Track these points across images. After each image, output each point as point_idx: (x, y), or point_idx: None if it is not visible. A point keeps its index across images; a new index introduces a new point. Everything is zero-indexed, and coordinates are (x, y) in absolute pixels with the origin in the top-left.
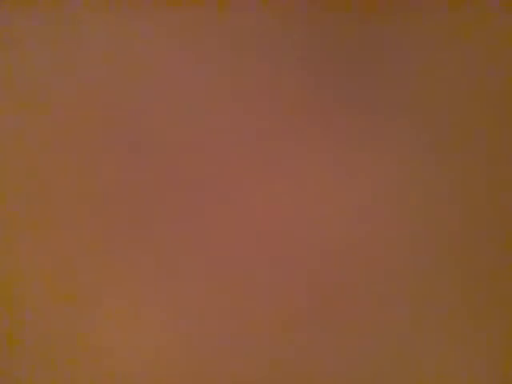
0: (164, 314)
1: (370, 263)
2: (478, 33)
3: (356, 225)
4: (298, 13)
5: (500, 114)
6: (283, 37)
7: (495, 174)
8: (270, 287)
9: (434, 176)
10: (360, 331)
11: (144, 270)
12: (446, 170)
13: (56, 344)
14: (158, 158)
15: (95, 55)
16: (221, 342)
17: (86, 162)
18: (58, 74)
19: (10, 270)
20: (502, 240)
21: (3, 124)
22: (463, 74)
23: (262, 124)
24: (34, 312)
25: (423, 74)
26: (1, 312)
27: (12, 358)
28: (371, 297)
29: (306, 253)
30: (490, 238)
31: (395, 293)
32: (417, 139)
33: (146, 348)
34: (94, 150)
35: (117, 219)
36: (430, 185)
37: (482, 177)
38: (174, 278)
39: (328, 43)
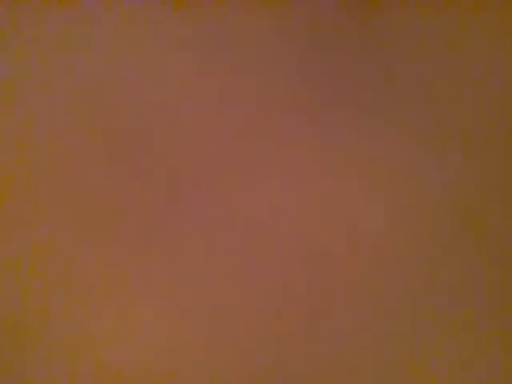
0: (163, 314)
1: (369, 262)
2: (477, 32)
3: (355, 224)
4: (297, 13)
5: (499, 113)
6: (283, 37)
7: (494, 174)
8: (270, 287)
9: (435, 175)
10: (360, 330)
11: (144, 268)
12: (445, 169)
13: (55, 343)
14: (157, 158)
15: (95, 55)
16: (220, 342)
17: (86, 161)
18: (58, 74)
19: (10, 269)
20: (501, 239)
21: (3, 124)
22: (462, 73)
23: (260, 123)
24: (34, 310)
25: (422, 73)
26: (1, 311)
27: (12, 356)
28: (370, 294)
29: (305, 253)
30: (490, 238)
31: (394, 292)
32: (416, 139)
33: (145, 346)
34: (94, 150)
35: (117, 218)
36: (430, 184)
37: (481, 176)
38: (174, 277)
39: (327, 43)
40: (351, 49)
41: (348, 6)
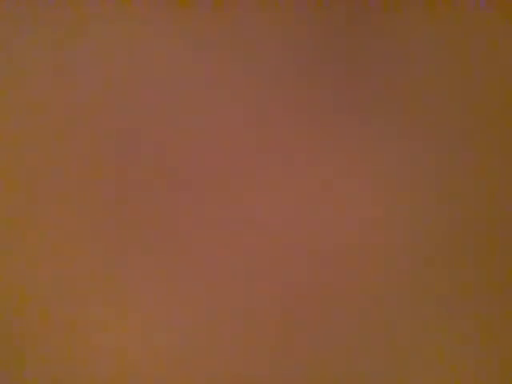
0: (162, 315)
1: (370, 265)
2: (477, 32)
3: (356, 226)
4: (297, 13)
5: (500, 112)
6: (283, 37)
7: (495, 173)
8: (270, 288)
9: (433, 176)
10: (360, 330)
11: (144, 269)
12: (445, 171)
13: (55, 344)
14: (158, 160)
15: (95, 55)
16: (218, 342)
17: (86, 163)
18: (58, 75)
19: (11, 271)
20: (502, 240)
21: (3, 125)
22: (462, 73)
23: (261, 123)
24: (34, 312)
25: (423, 74)
26: (1, 312)
27: (12, 357)
28: (371, 297)
29: (306, 254)
30: (490, 239)
31: (395, 294)
32: (417, 140)
33: (144, 348)
34: (94, 150)
35: (116, 220)
36: (431, 185)
37: (482, 176)
38: (173, 278)
39: (327, 44)
40: (352, 49)
41: (348, 6)
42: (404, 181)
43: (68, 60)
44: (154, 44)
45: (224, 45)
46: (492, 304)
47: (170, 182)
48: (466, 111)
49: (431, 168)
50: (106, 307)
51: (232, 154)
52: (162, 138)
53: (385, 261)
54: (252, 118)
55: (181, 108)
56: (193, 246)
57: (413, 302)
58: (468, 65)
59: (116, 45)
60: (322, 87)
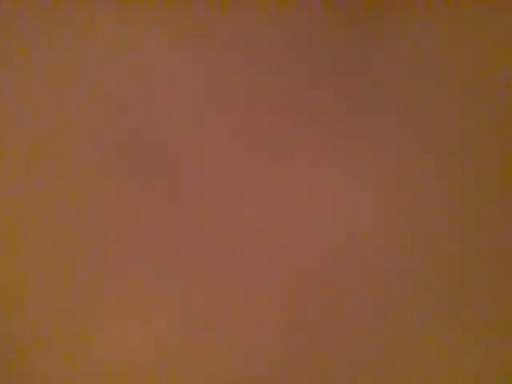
0: (163, 316)
1: (370, 264)
2: (475, 31)
3: (356, 226)
4: (297, 14)
5: (500, 113)
6: (283, 37)
7: (492, 169)
8: (271, 288)
9: (433, 176)
10: (358, 331)
11: (144, 269)
12: (444, 170)
13: (56, 344)
14: (159, 160)
15: (95, 56)
16: (219, 343)
17: (87, 163)
18: (57, 75)
19: (11, 271)
20: (502, 240)
21: (4, 125)
22: (463, 73)
23: (261, 124)
24: (34, 313)
25: (422, 75)
26: (1, 312)
27: (12, 357)
28: (371, 297)
29: (306, 254)
30: (490, 238)
31: (395, 294)
32: (417, 140)
33: (146, 348)
34: (94, 151)
35: (119, 219)
36: (431, 186)
37: (481, 177)
38: (174, 279)
39: (327, 44)
40: (352, 49)
41: (348, 6)
42: (404, 181)
43: (68, 60)
44: (154, 44)
45: (224, 45)
46: (492, 304)
47: (170, 181)
48: (466, 111)
49: (431, 168)
50: (106, 315)
51: (232, 154)
52: (163, 137)
53: (385, 261)
54: (252, 118)
55: (181, 108)
56: (193, 247)
57: (413, 302)
58: (468, 65)
59: (116, 45)
60: (322, 87)
